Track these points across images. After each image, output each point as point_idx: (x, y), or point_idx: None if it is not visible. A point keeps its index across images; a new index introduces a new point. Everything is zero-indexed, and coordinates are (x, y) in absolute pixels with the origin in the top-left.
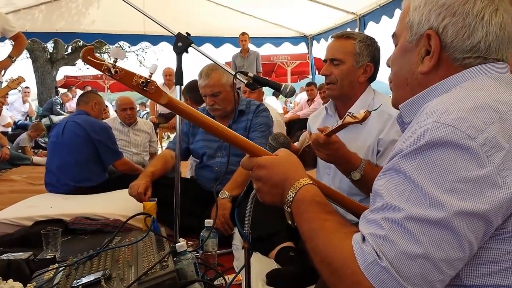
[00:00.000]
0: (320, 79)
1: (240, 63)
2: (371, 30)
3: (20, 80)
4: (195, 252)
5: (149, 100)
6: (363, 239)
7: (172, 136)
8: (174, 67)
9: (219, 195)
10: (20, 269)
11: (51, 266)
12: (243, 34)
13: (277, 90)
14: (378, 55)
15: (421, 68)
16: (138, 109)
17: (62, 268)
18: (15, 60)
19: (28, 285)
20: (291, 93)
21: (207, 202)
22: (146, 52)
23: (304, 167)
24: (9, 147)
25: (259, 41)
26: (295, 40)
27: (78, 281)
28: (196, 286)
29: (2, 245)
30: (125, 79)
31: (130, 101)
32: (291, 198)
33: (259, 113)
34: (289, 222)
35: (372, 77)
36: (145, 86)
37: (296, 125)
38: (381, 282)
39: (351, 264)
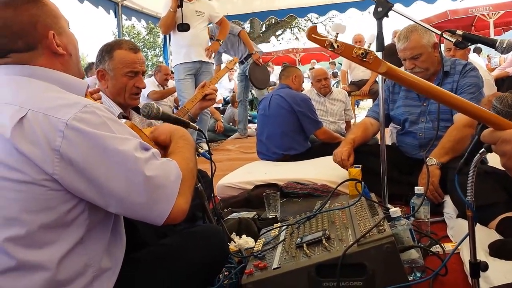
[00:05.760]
0: None
1: None
2: None
3: (235, 60)
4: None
5: (340, 70)
6: None
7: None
8: (363, 33)
9: (426, 162)
10: (249, 226)
11: (275, 225)
12: None
13: (491, 47)
14: None
15: None
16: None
17: (285, 226)
18: (222, 42)
19: (258, 240)
20: (508, 48)
21: (410, 169)
22: (333, 21)
23: None
24: (222, 121)
25: None
26: None
27: (301, 239)
28: (413, 252)
29: (230, 205)
30: (346, 52)
31: (324, 72)
32: None
33: (466, 73)
34: None
35: None
36: (364, 57)
37: (506, 83)
38: None
39: None
